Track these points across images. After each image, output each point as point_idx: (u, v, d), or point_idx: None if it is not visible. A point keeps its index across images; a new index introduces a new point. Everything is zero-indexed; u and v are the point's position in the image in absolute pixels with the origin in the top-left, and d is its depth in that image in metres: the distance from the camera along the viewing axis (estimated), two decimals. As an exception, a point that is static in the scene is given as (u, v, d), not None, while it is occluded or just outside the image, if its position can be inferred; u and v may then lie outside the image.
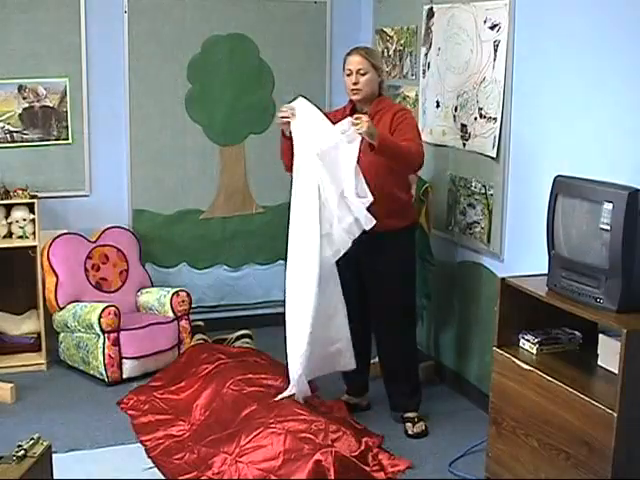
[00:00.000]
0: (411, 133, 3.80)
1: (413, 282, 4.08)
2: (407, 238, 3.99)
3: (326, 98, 5.45)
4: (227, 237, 5.37)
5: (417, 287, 4.41)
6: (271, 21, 5.26)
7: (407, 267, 4.01)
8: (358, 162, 3.66)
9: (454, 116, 4.38)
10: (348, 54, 3.93)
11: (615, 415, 2.75)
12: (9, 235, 4.73)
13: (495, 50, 4.00)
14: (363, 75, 3.83)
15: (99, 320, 4.46)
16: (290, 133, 3.81)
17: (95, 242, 4.94)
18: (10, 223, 4.71)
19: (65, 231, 4.87)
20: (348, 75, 3.87)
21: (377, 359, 4.28)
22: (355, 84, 3.85)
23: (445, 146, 4.50)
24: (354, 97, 3.88)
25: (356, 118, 3.61)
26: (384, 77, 3.96)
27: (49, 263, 4.73)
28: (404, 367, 4.08)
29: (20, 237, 4.71)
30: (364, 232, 3.73)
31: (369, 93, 3.86)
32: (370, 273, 3.98)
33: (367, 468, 3.55)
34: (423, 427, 3.98)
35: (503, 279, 3.34)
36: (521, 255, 3.90)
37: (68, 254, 4.79)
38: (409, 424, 3.99)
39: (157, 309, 4.85)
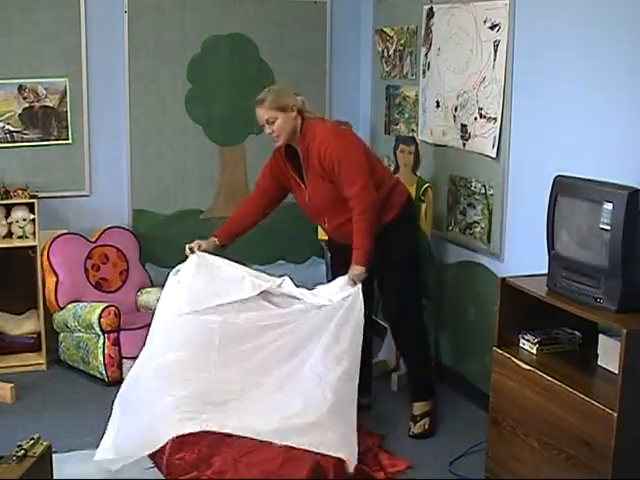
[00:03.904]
0: (348, 173, 3.70)
1: (411, 267, 4.03)
2: (395, 229, 3.91)
3: (326, 98, 5.46)
4: (227, 237, 5.36)
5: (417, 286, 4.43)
6: (271, 21, 5.26)
7: (401, 253, 3.97)
8: (311, 199, 3.84)
9: (454, 116, 4.38)
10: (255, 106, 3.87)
11: (615, 415, 2.75)
12: (9, 235, 4.73)
13: (495, 50, 4.00)
14: (273, 123, 3.77)
15: (99, 320, 4.46)
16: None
17: (95, 242, 4.94)
18: (10, 223, 4.71)
19: (65, 231, 4.88)
20: (263, 126, 3.84)
21: (378, 358, 4.38)
22: (271, 133, 3.82)
23: (445, 146, 4.50)
24: (277, 144, 3.87)
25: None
26: (298, 106, 3.80)
27: (49, 263, 4.73)
28: (405, 349, 4.16)
29: (20, 237, 4.71)
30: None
31: (290, 133, 3.79)
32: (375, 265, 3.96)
33: (367, 468, 3.56)
34: (425, 427, 3.97)
35: (503, 279, 3.35)
36: (521, 255, 3.90)
37: (68, 254, 4.79)
38: (411, 422, 4.00)
39: (157, 309, 4.85)
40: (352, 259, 3.71)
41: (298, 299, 3.75)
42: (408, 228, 4.01)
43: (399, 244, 3.94)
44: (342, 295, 3.64)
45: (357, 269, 3.69)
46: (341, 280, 3.72)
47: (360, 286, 3.66)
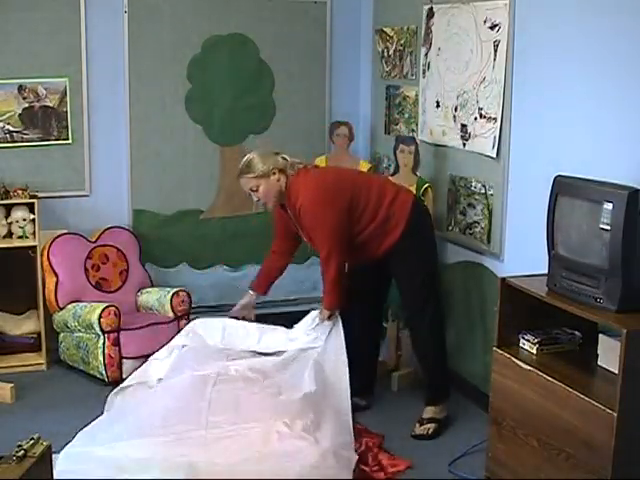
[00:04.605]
0: (318, 239, 3.85)
1: (428, 273, 4.04)
2: (406, 244, 3.93)
3: (326, 98, 5.46)
4: (227, 237, 5.36)
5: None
6: (271, 21, 5.26)
7: (415, 265, 3.99)
8: (313, 246, 3.94)
9: (454, 116, 4.38)
10: None
11: (615, 415, 2.75)
12: (9, 235, 4.73)
13: (495, 50, 4.00)
14: (257, 190, 3.85)
15: (99, 320, 4.46)
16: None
17: (95, 242, 4.94)
18: (10, 223, 4.71)
19: (65, 231, 4.87)
20: (249, 194, 3.93)
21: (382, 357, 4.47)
22: (258, 200, 3.91)
23: (445, 146, 4.50)
24: (268, 208, 3.98)
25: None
26: (279, 167, 3.85)
27: (49, 263, 4.73)
28: (419, 350, 4.13)
29: (20, 237, 4.71)
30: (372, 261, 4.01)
31: (276, 196, 3.87)
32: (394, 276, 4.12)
33: (367, 468, 3.56)
34: (428, 431, 3.96)
35: (503, 279, 3.35)
36: (521, 255, 3.90)
37: (68, 254, 4.79)
38: (417, 423, 3.99)
39: (157, 309, 4.86)
40: (323, 302, 3.93)
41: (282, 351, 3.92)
42: (418, 242, 3.98)
43: (412, 259, 3.96)
44: (323, 333, 3.87)
45: (326, 313, 3.91)
46: (313, 315, 3.94)
47: (340, 322, 3.89)
